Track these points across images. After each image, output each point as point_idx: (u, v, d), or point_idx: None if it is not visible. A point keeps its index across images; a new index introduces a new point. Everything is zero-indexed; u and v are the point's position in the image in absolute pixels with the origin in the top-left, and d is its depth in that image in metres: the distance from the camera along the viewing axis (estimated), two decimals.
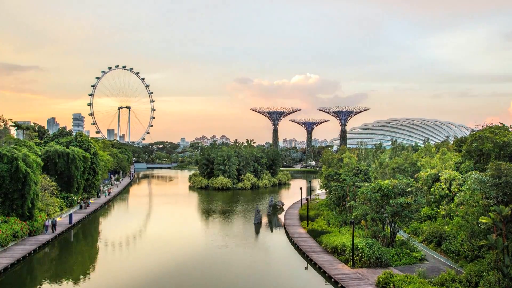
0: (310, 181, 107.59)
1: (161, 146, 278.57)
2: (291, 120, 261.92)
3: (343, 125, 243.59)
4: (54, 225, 54.11)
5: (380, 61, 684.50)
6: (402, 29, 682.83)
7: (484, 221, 31.04)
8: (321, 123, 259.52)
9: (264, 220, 67.58)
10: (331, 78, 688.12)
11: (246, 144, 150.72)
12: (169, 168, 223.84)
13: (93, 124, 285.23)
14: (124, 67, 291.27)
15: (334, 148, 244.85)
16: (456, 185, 50.97)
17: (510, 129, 58.09)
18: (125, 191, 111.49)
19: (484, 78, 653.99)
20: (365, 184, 51.30)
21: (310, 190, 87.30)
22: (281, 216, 70.90)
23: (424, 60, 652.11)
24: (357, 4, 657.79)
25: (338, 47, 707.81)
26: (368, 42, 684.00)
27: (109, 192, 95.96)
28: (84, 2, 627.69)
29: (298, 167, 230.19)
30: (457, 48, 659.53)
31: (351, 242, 40.34)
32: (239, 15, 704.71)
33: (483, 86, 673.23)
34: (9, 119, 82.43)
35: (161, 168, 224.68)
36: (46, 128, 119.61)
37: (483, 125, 62.94)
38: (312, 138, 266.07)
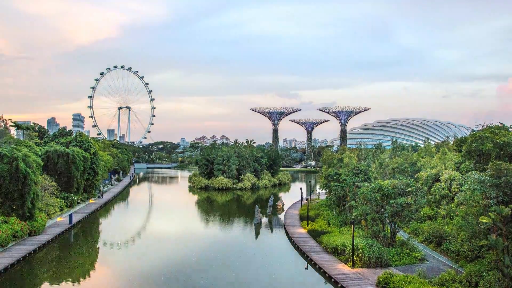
0: (310, 181, 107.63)
1: (161, 146, 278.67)
2: (291, 120, 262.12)
3: (343, 125, 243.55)
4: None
5: (387, 61, 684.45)
6: (409, 29, 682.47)
7: (484, 221, 31.01)
8: (321, 123, 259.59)
9: (264, 220, 67.56)
10: (336, 79, 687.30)
11: (246, 144, 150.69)
12: (169, 168, 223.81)
13: (94, 126, 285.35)
14: (123, 67, 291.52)
15: (334, 148, 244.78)
16: (456, 185, 50.96)
17: (510, 129, 58.09)
18: (125, 191, 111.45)
19: (493, 78, 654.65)
20: (365, 184, 51.25)
21: (310, 190, 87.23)
22: (281, 216, 70.88)
23: (432, 60, 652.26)
24: (363, 5, 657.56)
25: (343, 48, 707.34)
26: (375, 43, 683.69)
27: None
28: (86, 3, 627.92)
29: (298, 167, 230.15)
30: (466, 47, 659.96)
31: (351, 242, 40.32)
32: (240, 17, 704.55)
33: (492, 86, 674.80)
34: (9, 119, 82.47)
35: (161, 168, 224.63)
36: (46, 128, 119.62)
37: (483, 125, 62.92)
38: (312, 138, 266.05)
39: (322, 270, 39.29)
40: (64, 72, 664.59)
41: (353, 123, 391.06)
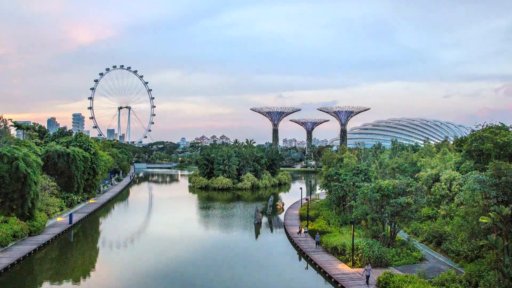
0: (310, 181, 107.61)
1: (161, 146, 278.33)
2: (291, 120, 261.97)
3: (343, 125, 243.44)
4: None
5: (387, 61, 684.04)
6: (410, 29, 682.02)
7: (484, 221, 31.03)
8: (321, 123, 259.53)
9: (264, 220, 67.56)
10: (336, 79, 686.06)
11: (246, 144, 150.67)
12: (169, 168, 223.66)
13: (95, 127, 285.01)
14: (123, 66, 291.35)
15: (334, 148, 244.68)
16: (456, 185, 50.97)
17: (510, 129, 58.12)
18: (125, 191, 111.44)
19: (493, 78, 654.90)
20: (365, 184, 51.28)
21: (310, 190, 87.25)
22: (281, 216, 70.89)
23: (433, 60, 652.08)
24: (364, 5, 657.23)
25: (344, 48, 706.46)
26: (376, 43, 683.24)
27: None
28: (87, 3, 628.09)
29: (298, 167, 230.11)
30: (468, 48, 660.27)
31: (351, 242, 40.34)
32: (240, 17, 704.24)
33: (493, 86, 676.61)
34: (9, 119, 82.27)
35: (161, 168, 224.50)
36: (46, 128, 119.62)
37: (483, 125, 62.95)
38: (312, 138, 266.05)
39: (322, 270, 39.30)
40: (64, 72, 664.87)
41: (353, 123, 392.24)
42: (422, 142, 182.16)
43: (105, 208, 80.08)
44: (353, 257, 39.56)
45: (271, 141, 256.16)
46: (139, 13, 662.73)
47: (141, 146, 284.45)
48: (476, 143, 52.80)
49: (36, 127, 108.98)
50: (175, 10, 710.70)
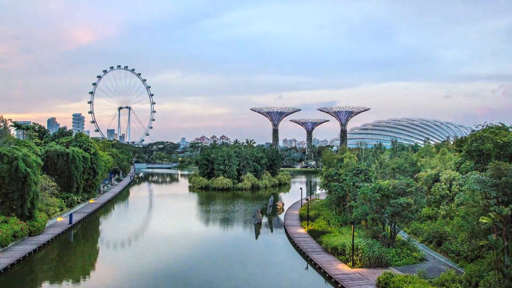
0: (310, 181, 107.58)
1: (161, 146, 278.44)
2: (291, 120, 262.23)
3: (343, 125, 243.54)
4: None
5: (387, 61, 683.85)
6: (410, 29, 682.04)
7: (484, 221, 31.01)
8: (321, 123, 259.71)
9: (264, 220, 67.54)
10: (336, 79, 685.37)
11: (246, 144, 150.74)
12: (169, 168, 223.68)
13: (97, 131, 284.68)
14: (124, 67, 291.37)
15: (334, 148, 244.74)
16: (456, 185, 50.97)
17: (510, 129, 58.16)
18: (125, 191, 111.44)
19: (494, 78, 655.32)
20: (365, 184, 51.27)
21: (310, 190, 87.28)
22: (281, 216, 70.88)
23: (433, 60, 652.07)
24: (363, 5, 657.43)
25: (344, 48, 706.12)
26: (376, 43, 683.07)
27: None
28: (87, 3, 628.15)
29: (298, 167, 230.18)
30: (468, 48, 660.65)
31: (351, 242, 40.33)
32: (240, 17, 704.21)
33: (493, 86, 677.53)
34: (9, 119, 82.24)
35: (161, 168, 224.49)
36: (46, 128, 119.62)
37: (483, 125, 62.99)
38: (312, 138, 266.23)
39: (322, 270, 39.29)
40: (64, 72, 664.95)
41: (353, 123, 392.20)
42: (422, 142, 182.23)
43: (105, 208, 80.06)
44: (353, 257, 39.55)
45: (271, 141, 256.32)
46: (139, 13, 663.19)
47: (141, 146, 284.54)
48: (476, 143, 52.83)
49: (36, 127, 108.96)
50: (175, 10, 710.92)
